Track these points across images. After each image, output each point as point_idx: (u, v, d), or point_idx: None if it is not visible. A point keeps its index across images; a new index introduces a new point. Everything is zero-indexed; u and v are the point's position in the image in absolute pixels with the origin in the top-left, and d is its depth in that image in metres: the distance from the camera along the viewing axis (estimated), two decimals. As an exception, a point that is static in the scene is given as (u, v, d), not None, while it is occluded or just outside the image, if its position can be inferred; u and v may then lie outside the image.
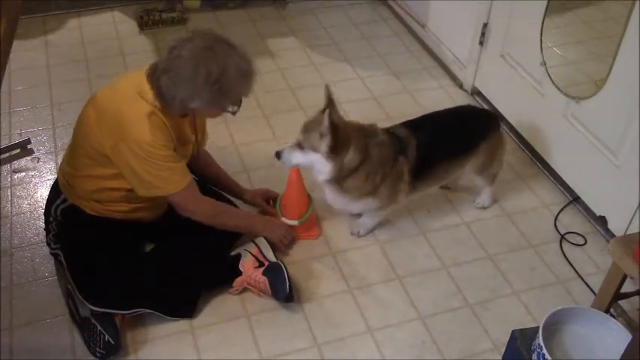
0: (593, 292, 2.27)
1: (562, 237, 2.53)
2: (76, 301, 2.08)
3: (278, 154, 2.20)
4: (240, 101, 2.04)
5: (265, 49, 3.54)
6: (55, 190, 2.22)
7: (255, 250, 2.25)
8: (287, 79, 3.33)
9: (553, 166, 2.78)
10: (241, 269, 2.21)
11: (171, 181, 2.03)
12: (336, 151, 2.11)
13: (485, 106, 3.18)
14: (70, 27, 3.67)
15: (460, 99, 3.26)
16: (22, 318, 2.13)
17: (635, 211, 2.32)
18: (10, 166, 2.74)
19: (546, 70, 2.69)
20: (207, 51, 1.89)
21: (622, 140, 2.35)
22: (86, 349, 2.02)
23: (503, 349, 2.00)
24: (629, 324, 2.05)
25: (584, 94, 2.52)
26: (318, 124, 2.09)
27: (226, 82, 1.91)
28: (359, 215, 2.47)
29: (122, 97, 1.97)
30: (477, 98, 3.26)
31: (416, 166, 2.28)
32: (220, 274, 2.23)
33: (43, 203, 2.40)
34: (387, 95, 3.27)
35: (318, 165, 2.16)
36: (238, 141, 2.91)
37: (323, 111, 2.15)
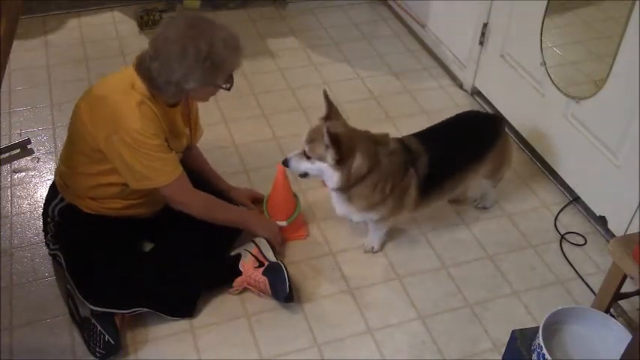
0: (593, 292, 2.27)
1: (562, 237, 2.53)
2: (76, 301, 2.08)
3: (285, 162, 2.17)
4: (232, 77, 2.04)
5: (265, 49, 3.54)
6: (53, 190, 2.23)
7: (255, 250, 2.25)
8: (287, 79, 3.33)
9: (553, 166, 2.78)
10: (241, 269, 2.21)
11: (163, 172, 2.02)
12: (342, 161, 2.06)
13: (485, 107, 3.19)
14: (70, 27, 3.68)
15: (460, 99, 3.26)
16: (22, 318, 2.13)
17: (635, 211, 2.32)
18: (10, 166, 2.74)
19: (546, 70, 2.69)
20: (192, 29, 1.91)
21: (622, 140, 2.35)
22: (86, 349, 2.02)
23: (503, 349, 2.00)
24: (629, 324, 2.05)
25: (584, 94, 2.52)
26: (321, 133, 2.04)
27: (216, 56, 1.92)
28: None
29: (114, 91, 1.98)
30: (477, 98, 3.26)
31: (425, 181, 2.23)
32: (220, 274, 2.23)
33: (42, 203, 2.40)
34: (387, 95, 3.27)
35: (327, 174, 2.11)
36: (238, 141, 2.91)
37: (325, 119, 2.13)
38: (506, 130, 2.50)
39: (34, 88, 3.19)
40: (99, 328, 1.99)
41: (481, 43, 3.11)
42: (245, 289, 2.24)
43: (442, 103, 3.23)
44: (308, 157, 2.11)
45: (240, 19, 3.81)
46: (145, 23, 3.65)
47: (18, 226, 2.46)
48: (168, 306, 2.13)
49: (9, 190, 2.62)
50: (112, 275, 2.05)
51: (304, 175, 2.17)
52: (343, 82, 3.33)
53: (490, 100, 3.17)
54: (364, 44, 3.67)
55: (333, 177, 2.10)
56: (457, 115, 2.47)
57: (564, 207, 2.66)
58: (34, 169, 2.73)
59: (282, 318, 2.18)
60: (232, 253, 2.27)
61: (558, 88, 2.64)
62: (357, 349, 2.10)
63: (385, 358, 2.08)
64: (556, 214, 2.63)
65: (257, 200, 2.49)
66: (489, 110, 3.15)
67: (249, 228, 2.31)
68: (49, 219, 2.21)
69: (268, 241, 2.30)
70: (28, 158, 2.79)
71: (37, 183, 2.66)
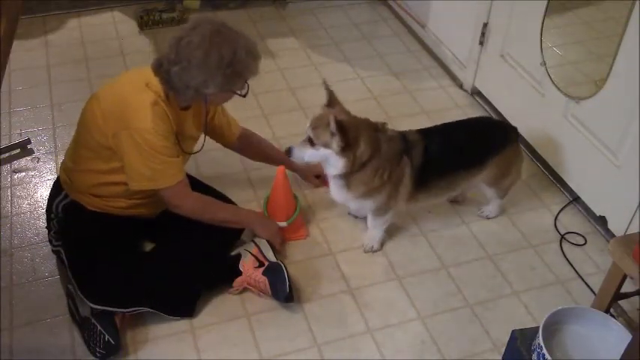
0: (593, 292, 2.27)
1: (562, 237, 2.53)
2: (76, 301, 2.08)
3: (289, 151, 2.19)
4: (247, 83, 2.07)
5: (265, 49, 3.54)
6: (57, 187, 2.23)
7: (255, 250, 2.26)
8: (287, 79, 3.33)
9: (553, 166, 2.78)
10: (241, 269, 2.21)
11: (166, 175, 2.03)
12: (347, 148, 2.10)
13: (485, 107, 3.19)
14: (70, 27, 3.68)
15: (460, 99, 3.26)
16: (22, 318, 2.14)
17: (635, 211, 2.32)
18: (10, 166, 2.74)
19: (546, 70, 2.69)
20: (217, 35, 1.92)
21: (622, 140, 2.35)
22: (86, 349, 2.02)
23: (503, 349, 2.00)
24: (629, 324, 2.05)
25: (584, 94, 2.52)
26: (326, 120, 2.07)
27: (238, 64, 1.94)
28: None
29: (129, 88, 1.99)
30: (477, 98, 3.26)
31: (419, 171, 2.25)
32: (220, 274, 2.23)
33: (43, 203, 2.41)
34: (387, 95, 3.27)
35: (332, 160, 2.14)
36: (238, 141, 2.91)
37: (327, 106, 2.16)
38: (519, 143, 2.47)
39: (34, 88, 3.19)
40: (99, 327, 1.99)
41: (481, 43, 3.11)
42: (245, 289, 2.24)
43: (442, 103, 3.23)
44: (313, 145, 2.13)
45: (240, 19, 3.81)
46: (145, 23, 3.65)
47: (18, 226, 2.46)
48: (168, 305, 2.13)
49: (9, 190, 2.62)
50: (113, 274, 2.05)
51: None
52: (343, 82, 3.33)
53: (490, 100, 3.17)
54: (364, 44, 3.67)
55: (337, 163, 2.13)
56: (469, 118, 2.50)
57: (564, 207, 2.66)
58: (34, 169, 2.73)
59: (282, 318, 2.18)
60: (232, 253, 2.27)
61: (558, 88, 2.64)
62: (357, 349, 2.10)
63: (385, 358, 2.08)
64: (556, 214, 2.63)
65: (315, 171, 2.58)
66: (489, 110, 3.15)
67: (249, 227, 2.31)
68: (52, 215, 2.21)
69: (268, 241, 2.30)
70: (28, 158, 2.79)
71: (37, 183, 2.66)
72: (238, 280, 2.21)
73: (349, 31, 3.77)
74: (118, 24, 3.72)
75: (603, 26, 2.71)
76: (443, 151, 2.29)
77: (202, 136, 2.30)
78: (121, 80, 2.06)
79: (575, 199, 2.67)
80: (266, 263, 2.22)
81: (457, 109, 3.19)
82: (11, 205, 2.55)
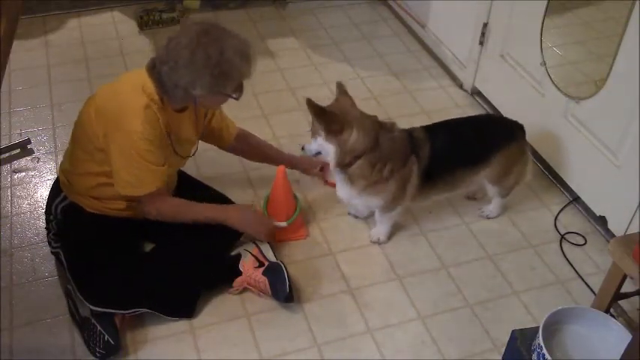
0: (593, 292, 2.27)
1: (562, 237, 2.53)
2: (76, 301, 2.08)
3: (303, 148, 2.28)
4: (242, 85, 2.04)
5: (265, 49, 3.54)
6: (56, 188, 2.23)
7: (255, 250, 2.26)
8: (287, 79, 3.33)
9: (553, 166, 2.78)
10: (241, 269, 2.21)
11: (144, 183, 2.03)
12: (331, 131, 2.14)
13: (485, 107, 3.19)
14: (70, 27, 3.68)
15: (460, 99, 3.26)
16: (22, 318, 2.13)
17: (635, 211, 2.32)
18: (10, 166, 2.74)
19: (546, 70, 2.69)
20: (205, 35, 1.91)
21: (622, 140, 2.35)
22: (86, 349, 2.02)
23: (503, 349, 2.00)
24: (629, 324, 2.05)
25: (584, 94, 2.52)
26: None
27: (226, 64, 1.92)
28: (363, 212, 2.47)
29: (125, 91, 1.99)
30: (477, 98, 3.26)
31: (427, 169, 2.26)
32: (220, 274, 2.23)
33: (43, 203, 2.40)
34: (387, 95, 3.27)
35: (325, 148, 2.19)
36: (238, 141, 2.91)
37: (335, 99, 2.23)
38: (525, 141, 2.46)
39: (34, 88, 3.19)
40: (99, 328, 1.99)
41: (481, 43, 3.11)
42: (245, 289, 2.24)
43: (442, 103, 3.23)
44: (314, 137, 2.21)
45: (240, 19, 3.81)
46: (144, 23, 3.65)
47: (18, 226, 2.46)
48: (168, 306, 2.13)
49: (9, 190, 2.62)
50: (112, 275, 2.05)
51: (318, 153, 2.25)
52: (343, 82, 3.32)
53: (490, 100, 3.17)
54: (364, 44, 3.67)
55: (329, 150, 2.18)
56: (475, 115, 2.52)
57: (564, 207, 2.66)
58: (34, 169, 2.73)
59: (282, 318, 2.18)
60: (232, 253, 2.27)
61: (558, 88, 2.64)
62: (357, 349, 2.10)
63: (385, 358, 2.08)
64: (556, 214, 2.63)
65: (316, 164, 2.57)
66: (489, 110, 3.15)
67: (229, 225, 2.21)
68: (51, 217, 2.21)
69: (252, 235, 2.27)
70: (28, 158, 2.79)
71: (37, 183, 2.66)
72: (238, 280, 2.21)
73: (349, 31, 3.77)
74: (118, 24, 3.72)
75: (603, 26, 2.71)
76: (449, 147, 2.31)
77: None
78: (121, 79, 2.06)
79: (575, 199, 2.67)
80: (266, 263, 2.22)
81: (457, 109, 3.19)
82: (11, 205, 2.55)
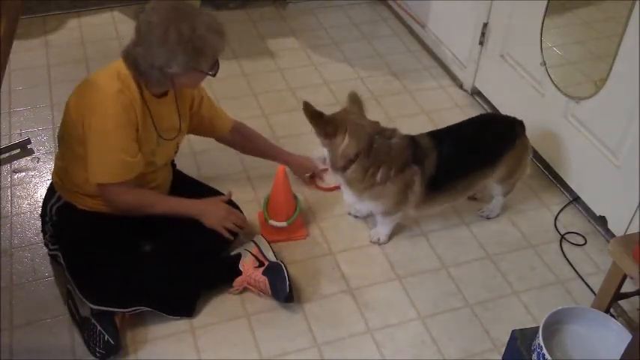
0: (593, 292, 2.27)
1: (562, 237, 2.53)
2: (76, 301, 2.08)
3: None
4: (217, 62, 2.04)
5: (265, 49, 3.54)
6: (51, 190, 2.24)
7: (255, 250, 2.26)
8: (287, 79, 3.33)
9: (553, 166, 2.78)
10: (241, 269, 2.21)
11: (111, 171, 2.01)
12: (325, 135, 2.20)
13: (486, 106, 3.19)
14: (70, 27, 3.68)
15: (460, 99, 3.26)
16: (22, 318, 2.13)
17: (635, 211, 2.32)
18: (10, 166, 2.74)
19: (546, 70, 2.69)
20: (173, 11, 1.92)
21: (622, 140, 2.35)
22: (86, 349, 2.02)
23: (503, 349, 2.00)
24: (629, 324, 2.05)
25: (584, 94, 2.52)
26: None
27: (199, 40, 1.92)
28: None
29: (100, 80, 2.00)
30: (477, 98, 3.26)
31: (433, 178, 2.26)
32: (220, 274, 2.23)
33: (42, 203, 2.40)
34: (387, 95, 3.27)
35: (325, 152, 2.24)
36: (238, 141, 2.91)
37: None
38: (526, 136, 2.46)
39: (34, 88, 3.19)
40: (99, 328, 1.99)
41: (481, 43, 3.11)
42: (245, 289, 2.24)
43: (442, 103, 3.23)
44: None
45: (240, 19, 3.81)
46: (144, 23, 3.65)
47: (18, 226, 2.46)
48: (168, 305, 2.13)
49: (9, 190, 2.62)
50: (112, 274, 2.05)
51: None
52: (343, 82, 3.33)
53: (490, 100, 3.17)
54: (364, 44, 3.67)
55: (326, 154, 2.24)
56: (476, 116, 2.53)
57: (564, 207, 2.66)
58: (34, 169, 2.73)
59: (282, 318, 2.18)
60: (232, 253, 2.27)
61: (558, 88, 2.64)
62: (357, 349, 2.10)
63: (385, 358, 2.08)
64: (556, 214, 2.63)
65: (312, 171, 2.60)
66: (489, 110, 3.15)
67: (196, 218, 2.19)
68: (47, 218, 2.21)
69: (219, 229, 2.21)
70: (28, 158, 2.79)
71: (37, 183, 2.66)
72: (238, 280, 2.21)
73: (349, 31, 3.77)
74: (118, 24, 3.72)
75: (603, 26, 2.71)
76: (457, 155, 2.29)
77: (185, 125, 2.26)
78: (98, 71, 2.06)
79: (575, 199, 2.67)
80: (266, 263, 2.22)
81: (457, 109, 3.19)
82: (11, 205, 2.55)
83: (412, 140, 2.27)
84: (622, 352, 1.53)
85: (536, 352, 1.75)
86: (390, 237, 2.48)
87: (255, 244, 2.29)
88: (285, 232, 2.42)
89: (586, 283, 2.34)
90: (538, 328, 1.76)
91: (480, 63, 3.17)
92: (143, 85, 2.01)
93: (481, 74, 3.20)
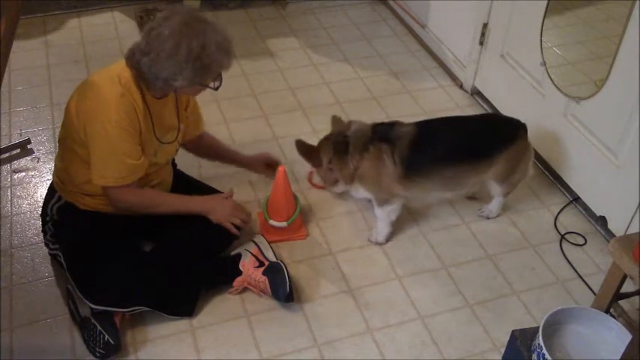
0: (593, 292, 2.27)
1: (562, 237, 2.53)
2: (76, 301, 2.08)
3: None
4: (220, 76, 2.05)
5: (265, 49, 3.55)
6: (51, 190, 2.23)
7: (255, 250, 2.26)
8: (287, 79, 3.33)
9: (553, 166, 2.78)
10: (241, 269, 2.21)
11: (115, 173, 2.01)
12: (316, 167, 2.52)
13: (486, 107, 3.19)
14: (70, 27, 3.68)
15: (460, 99, 3.26)
16: (22, 318, 2.13)
17: (635, 211, 2.32)
18: (10, 166, 2.74)
19: (546, 70, 2.69)
20: (186, 27, 1.90)
21: (622, 140, 2.35)
22: (86, 349, 2.02)
23: (503, 349, 2.00)
24: (629, 324, 2.05)
25: (584, 94, 2.53)
26: None
27: (207, 57, 1.92)
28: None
29: (101, 83, 1.98)
30: (477, 98, 3.26)
31: (410, 159, 2.28)
32: (220, 274, 2.23)
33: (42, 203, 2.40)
34: (387, 95, 3.27)
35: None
36: (238, 141, 2.91)
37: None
38: (528, 139, 2.46)
39: (34, 88, 3.19)
40: (99, 327, 1.99)
41: (481, 43, 3.11)
42: (245, 289, 2.24)
43: (442, 103, 3.23)
44: None
45: (240, 19, 3.81)
46: (144, 23, 3.64)
47: (18, 226, 2.46)
48: (168, 305, 2.13)
49: (9, 190, 2.62)
50: (112, 274, 2.05)
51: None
52: (343, 82, 3.33)
53: (490, 100, 3.17)
54: (364, 44, 3.67)
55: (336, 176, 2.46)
56: (480, 114, 2.60)
57: (564, 207, 2.66)
58: (34, 169, 2.73)
59: (282, 318, 2.18)
60: (232, 253, 2.27)
61: (558, 88, 2.64)
62: (357, 349, 2.10)
63: (385, 358, 2.08)
64: (556, 214, 2.63)
65: (272, 164, 2.53)
66: (489, 110, 3.15)
67: (203, 214, 2.21)
68: (47, 218, 2.21)
69: (230, 223, 2.23)
70: (28, 158, 2.79)
71: (37, 183, 2.66)
72: (238, 280, 2.21)
73: (349, 31, 3.77)
74: (118, 24, 3.72)
75: (603, 26, 2.71)
76: (443, 142, 2.32)
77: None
78: (99, 73, 2.05)
79: (575, 199, 2.67)
80: (266, 263, 2.22)
81: (457, 109, 3.19)
82: (11, 205, 2.55)
83: (376, 124, 2.39)
84: (622, 352, 1.53)
85: (536, 352, 1.75)
86: (390, 237, 2.48)
87: (256, 244, 2.29)
88: (285, 232, 2.42)
89: (586, 283, 2.34)
90: (538, 328, 1.76)
91: (480, 63, 3.17)
92: (144, 87, 2.01)
93: (481, 74, 3.20)
